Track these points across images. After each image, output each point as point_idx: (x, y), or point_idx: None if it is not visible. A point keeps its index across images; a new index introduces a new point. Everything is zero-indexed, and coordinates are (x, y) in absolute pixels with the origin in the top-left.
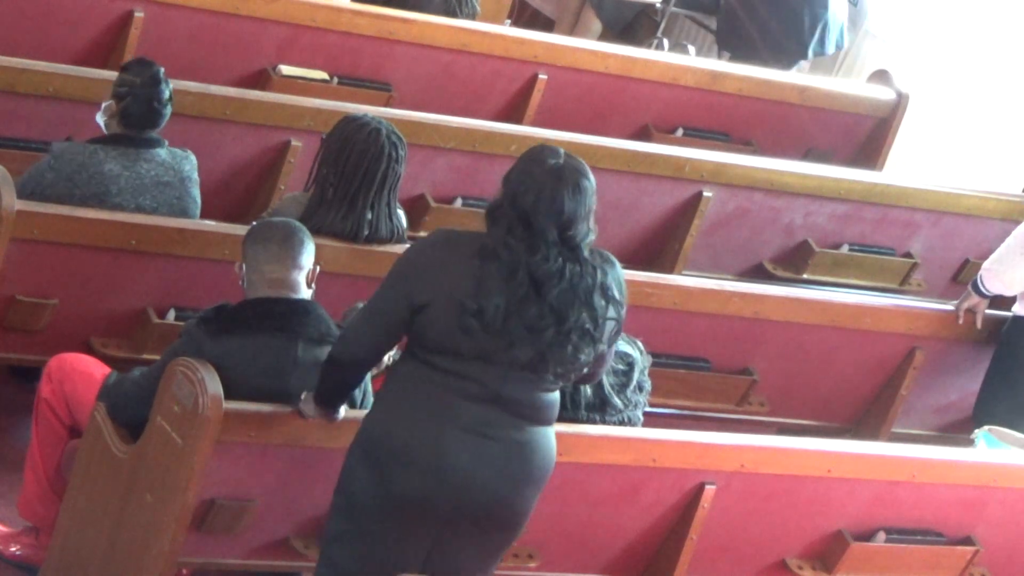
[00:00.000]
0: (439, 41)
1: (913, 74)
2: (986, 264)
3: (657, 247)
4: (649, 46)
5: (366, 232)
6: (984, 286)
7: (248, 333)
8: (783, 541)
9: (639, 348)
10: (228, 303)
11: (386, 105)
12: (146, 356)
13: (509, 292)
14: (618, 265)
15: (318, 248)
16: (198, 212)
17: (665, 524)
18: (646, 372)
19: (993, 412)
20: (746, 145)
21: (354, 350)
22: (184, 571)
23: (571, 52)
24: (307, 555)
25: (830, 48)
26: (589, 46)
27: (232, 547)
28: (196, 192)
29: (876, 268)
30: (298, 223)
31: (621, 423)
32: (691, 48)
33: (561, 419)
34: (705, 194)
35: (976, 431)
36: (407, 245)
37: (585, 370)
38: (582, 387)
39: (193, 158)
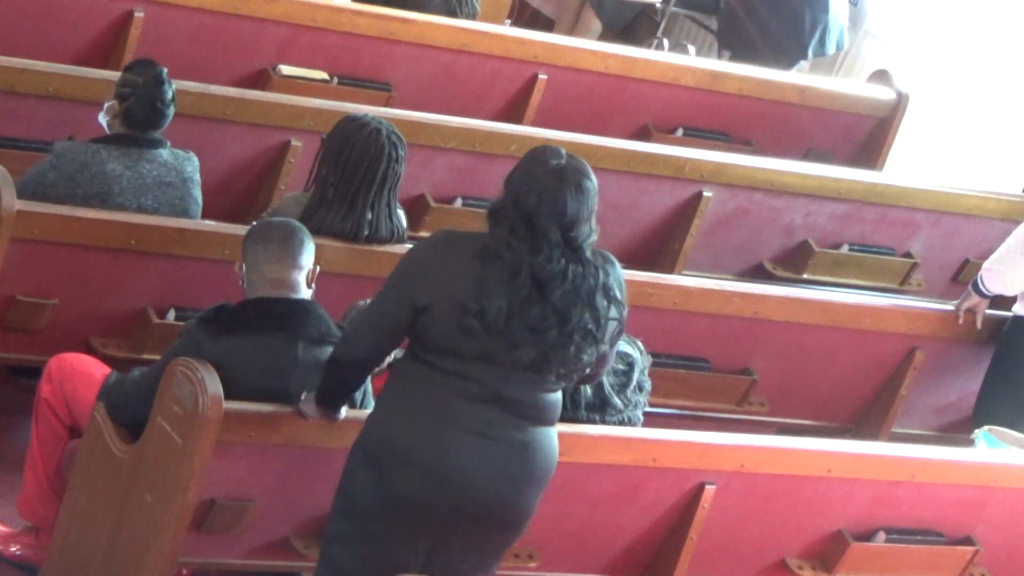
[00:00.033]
0: (439, 41)
1: (913, 74)
2: (986, 264)
3: (657, 247)
4: (649, 46)
5: (366, 232)
6: (984, 286)
7: (248, 333)
8: (783, 541)
9: (639, 348)
10: (228, 303)
11: (386, 105)
12: (146, 356)
13: (511, 293)
14: (618, 265)
15: (318, 248)
16: (199, 213)
17: (665, 524)
18: (646, 372)
19: (993, 412)
20: (746, 145)
21: (356, 351)
22: (184, 571)
23: (571, 52)
24: (307, 555)
25: (830, 49)
26: (589, 46)
27: (232, 547)
28: (198, 193)
29: (876, 268)
30: (298, 223)
31: (621, 423)
32: (691, 48)
33: (561, 419)
34: (705, 194)
35: (976, 431)
36: (407, 245)
37: (587, 370)
38: (582, 387)
39: (195, 159)
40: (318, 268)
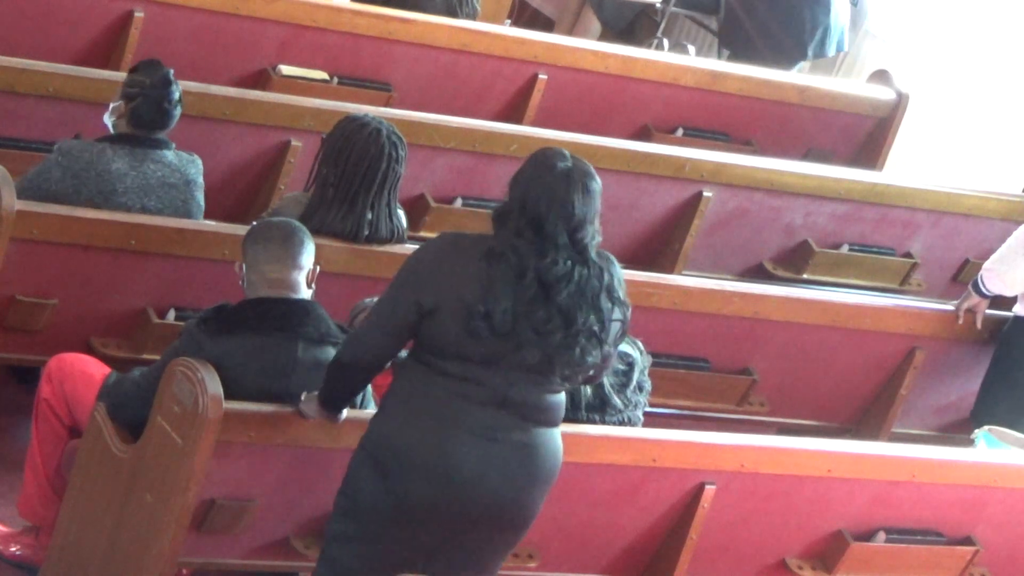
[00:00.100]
0: (439, 41)
1: (913, 74)
2: (987, 264)
3: (657, 247)
4: (649, 46)
5: (366, 232)
6: (984, 286)
7: (248, 333)
8: (783, 541)
9: (639, 348)
10: (228, 303)
11: (386, 105)
12: (146, 356)
13: (517, 295)
14: (617, 264)
15: (318, 248)
16: (201, 217)
17: (665, 524)
18: (646, 372)
19: (993, 412)
20: (746, 145)
21: (361, 354)
22: (184, 571)
23: (571, 52)
24: (307, 555)
25: (830, 51)
26: (589, 46)
27: (232, 547)
28: (200, 197)
29: (876, 268)
30: (298, 223)
31: (621, 423)
32: (691, 48)
33: None
34: (705, 194)
35: (976, 431)
36: (407, 245)
37: (592, 372)
38: (582, 387)
39: (199, 162)
40: (318, 268)
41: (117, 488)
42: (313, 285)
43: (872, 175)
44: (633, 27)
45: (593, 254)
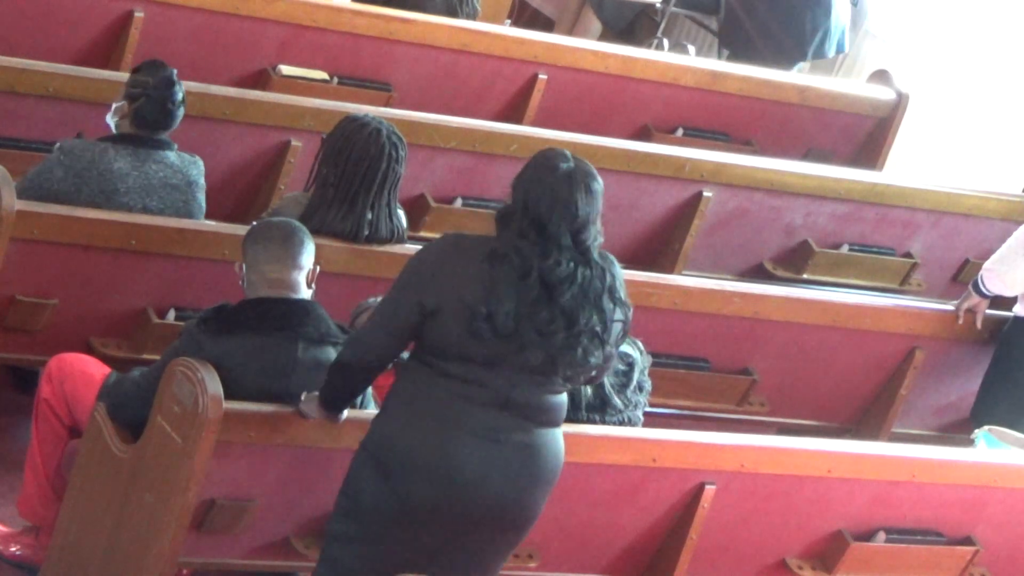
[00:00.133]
0: (439, 41)
1: (913, 74)
2: (987, 264)
3: (657, 247)
4: (649, 46)
5: (366, 232)
6: (985, 286)
7: (248, 333)
8: (783, 541)
9: (639, 348)
10: (228, 303)
11: (386, 105)
12: (146, 356)
13: (520, 296)
14: (617, 264)
15: (318, 248)
16: (202, 218)
17: (665, 524)
18: (646, 372)
19: (993, 412)
20: (746, 145)
21: (363, 354)
22: (184, 571)
23: (571, 52)
24: (307, 555)
25: (830, 52)
26: (589, 46)
27: (232, 547)
28: (202, 198)
29: (876, 268)
30: (298, 223)
31: (621, 423)
32: (691, 48)
33: None
34: (705, 194)
35: (976, 431)
36: (407, 245)
37: (593, 372)
38: (583, 387)
39: (201, 164)
40: (318, 268)
41: (117, 488)
42: (313, 285)
43: (872, 175)
44: (633, 27)
45: (595, 255)
